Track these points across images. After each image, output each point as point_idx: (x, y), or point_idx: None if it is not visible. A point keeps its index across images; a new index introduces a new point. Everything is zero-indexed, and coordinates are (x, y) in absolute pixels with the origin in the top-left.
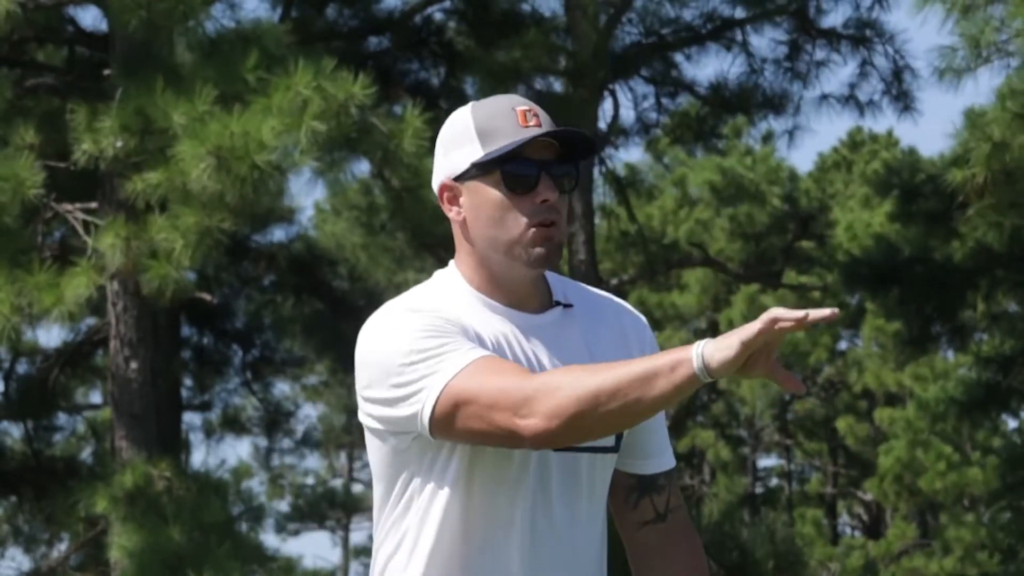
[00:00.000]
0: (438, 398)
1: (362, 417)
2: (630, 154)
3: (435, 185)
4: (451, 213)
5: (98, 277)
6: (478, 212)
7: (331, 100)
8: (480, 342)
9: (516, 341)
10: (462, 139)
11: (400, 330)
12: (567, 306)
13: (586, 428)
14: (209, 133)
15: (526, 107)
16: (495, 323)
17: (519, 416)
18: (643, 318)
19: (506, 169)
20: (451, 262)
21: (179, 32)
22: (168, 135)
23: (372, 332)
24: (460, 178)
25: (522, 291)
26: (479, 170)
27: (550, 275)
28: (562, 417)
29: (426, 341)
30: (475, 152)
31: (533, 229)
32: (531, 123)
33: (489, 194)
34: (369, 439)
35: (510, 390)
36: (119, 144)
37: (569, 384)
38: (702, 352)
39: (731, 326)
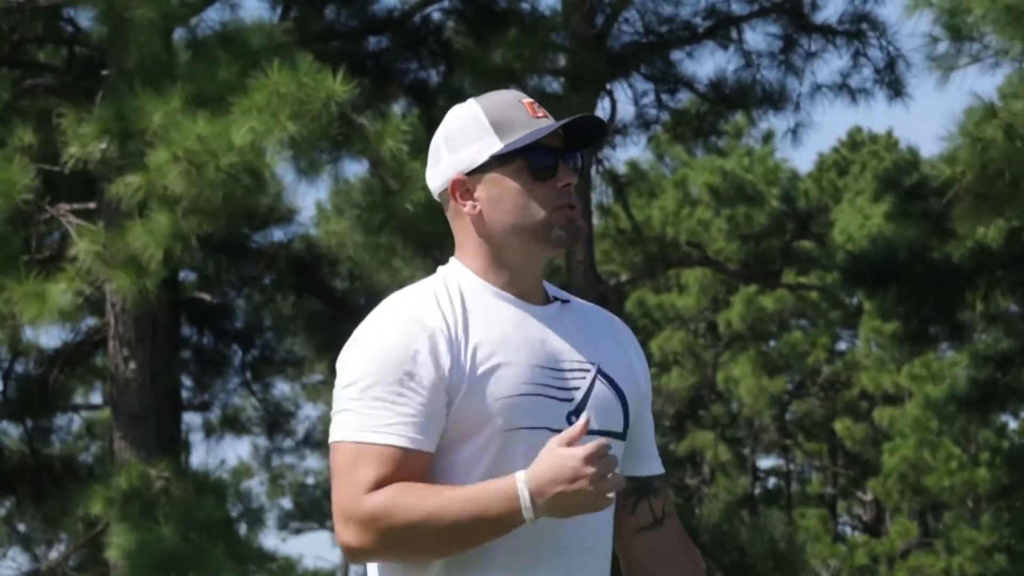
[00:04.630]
0: (331, 443)
1: None
2: (629, 152)
3: (440, 181)
4: (464, 208)
5: (83, 283)
6: (499, 203)
7: (313, 98)
8: (486, 323)
9: (524, 326)
10: (474, 133)
11: (366, 347)
12: (564, 302)
13: (395, 558)
14: (180, 137)
15: (530, 100)
16: (503, 309)
17: (342, 523)
18: (629, 329)
19: (529, 158)
20: (452, 259)
21: (159, 31)
22: (147, 139)
23: (356, 333)
24: (475, 171)
25: (531, 282)
26: (499, 162)
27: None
28: (371, 553)
29: (371, 388)
30: (493, 144)
31: (557, 211)
32: (540, 114)
33: (511, 184)
34: None
35: (355, 496)
36: (103, 147)
37: (396, 518)
38: (534, 517)
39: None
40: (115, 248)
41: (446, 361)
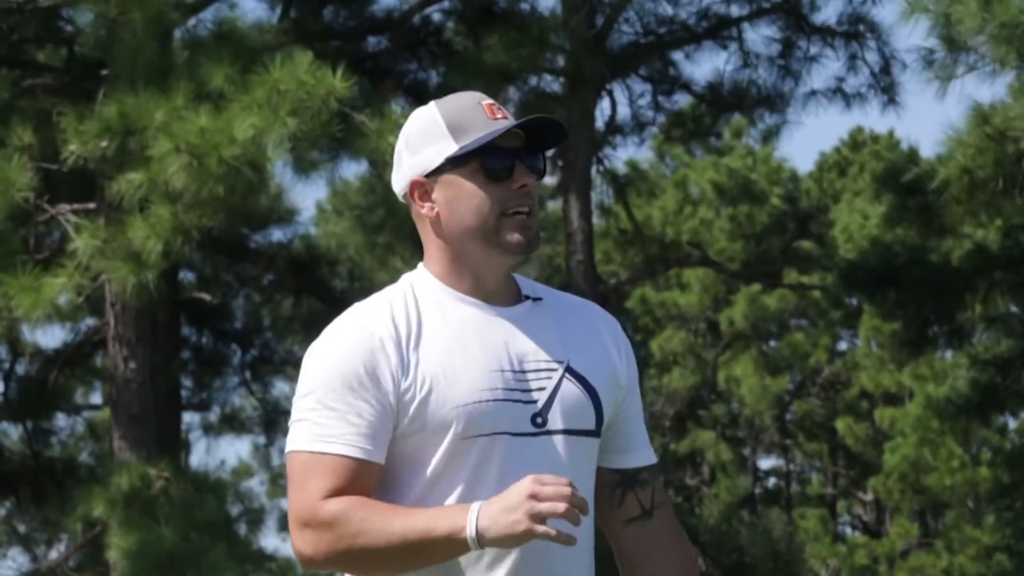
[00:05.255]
0: (287, 453)
1: None
2: (629, 152)
3: (401, 184)
4: (423, 209)
5: (81, 280)
6: (455, 205)
7: (313, 95)
8: (445, 329)
9: (485, 330)
10: (432, 136)
11: (320, 359)
12: (536, 299)
13: (348, 568)
14: (183, 131)
15: (490, 101)
16: (463, 314)
17: (298, 530)
18: (613, 318)
19: (484, 159)
20: (420, 264)
21: (155, 33)
22: (148, 135)
23: (312, 344)
24: (432, 174)
25: (494, 284)
26: (454, 164)
27: (517, 277)
28: (325, 560)
29: (323, 399)
30: (448, 147)
31: (509, 217)
32: (498, 115)
33: (466, 186)
34: None
35: (312, 503)
36: (104, 145)
37: (351, 526)
38: (476, 537)
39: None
40: (115, 243)
41: (396, 371)
